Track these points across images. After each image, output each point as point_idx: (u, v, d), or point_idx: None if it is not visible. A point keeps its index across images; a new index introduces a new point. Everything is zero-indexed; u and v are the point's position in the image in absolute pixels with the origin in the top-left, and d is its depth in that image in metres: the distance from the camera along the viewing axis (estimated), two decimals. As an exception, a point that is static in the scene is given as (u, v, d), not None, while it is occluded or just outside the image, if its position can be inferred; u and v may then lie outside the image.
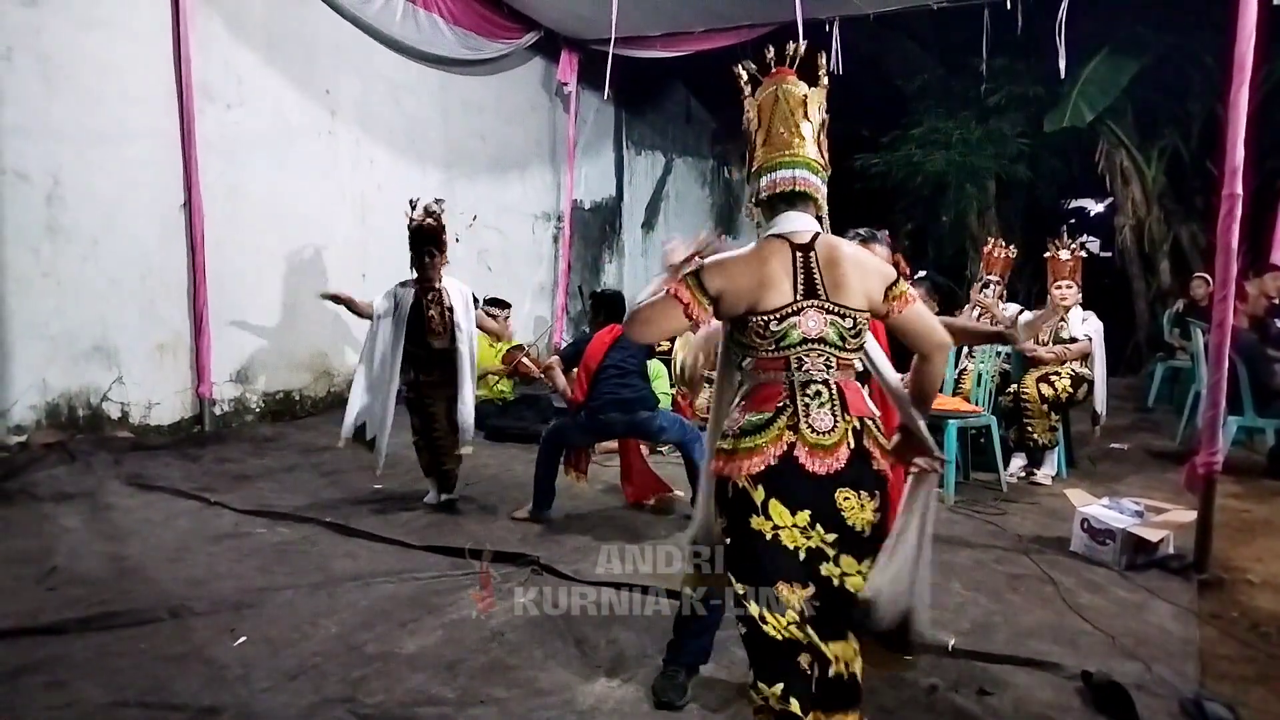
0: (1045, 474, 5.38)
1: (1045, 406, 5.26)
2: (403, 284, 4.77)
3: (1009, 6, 7.02)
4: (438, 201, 4.80)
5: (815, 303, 2.00)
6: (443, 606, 3.40)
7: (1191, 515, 3.91)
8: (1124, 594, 3.59)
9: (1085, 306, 5.54)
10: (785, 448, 1.96)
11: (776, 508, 1.96)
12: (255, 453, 5.91)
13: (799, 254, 2.03)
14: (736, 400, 2.09)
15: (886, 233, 3.35)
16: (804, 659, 1.99)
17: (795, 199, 2.07)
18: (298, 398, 7.17)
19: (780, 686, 1.97)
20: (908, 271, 6.29)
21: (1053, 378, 5.30)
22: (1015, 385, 5.44)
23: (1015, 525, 4.49)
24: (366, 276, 7.73)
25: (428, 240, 4.69)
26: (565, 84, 9.64)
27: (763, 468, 1.96)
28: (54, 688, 2.75)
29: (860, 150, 10.57)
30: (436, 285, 4.73)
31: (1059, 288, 5.48)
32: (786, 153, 2.07)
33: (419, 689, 2.77)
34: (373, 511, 4.66)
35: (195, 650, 3.01)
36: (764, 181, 2.09)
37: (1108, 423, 5.75)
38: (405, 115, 8.14)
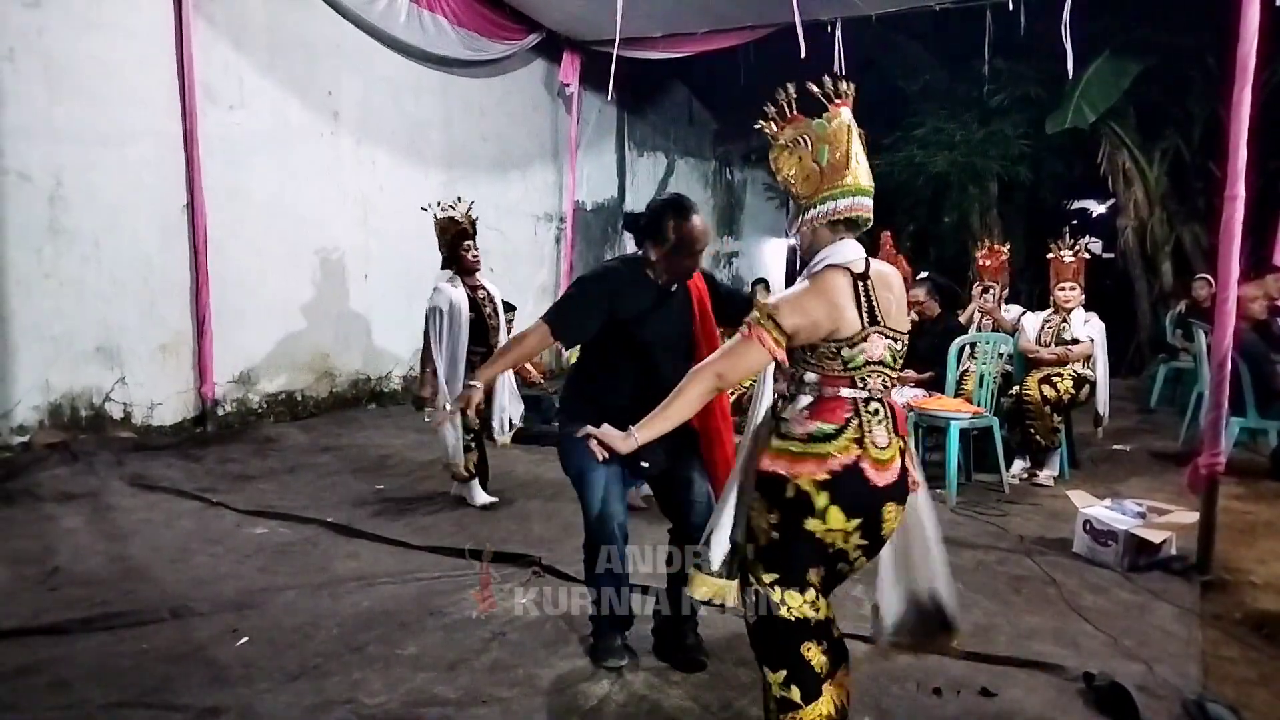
0: (1047, 475, 5.37)
1: (1047, 408, 5.25)
2: (438, 284, 4.74)
3: (1011, 8, 7.02)
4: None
5: (877, 329, 2.12)
6: (444, 607, 3.40)
7: (1194, 516, 3.91)
8: (1126, 595, 3.59)
9: (1087, 308, 5.53)
10: (853, 459, 2.07)
11: (835, 514, 2.06)
12: (257, 453, 5.92)
13: (859, 283, 2.13)
14: (799, 409, 2.15)
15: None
16: (810, 645, 2.13)
17: (856, 224, 2.20)
18: (300, 398, 7.18)
19: (784, 674, 2.14)
20: (910, 273, 6.34)
21: (1055, 379, 5.30)
22: (1017, 386, 5.43)
23: (1017, 526, 4.49)
24: (368, 277, 7.77)
25: (470, 233, 4.76)
26: (567, 85, 9.65)
27: (828, 475, 2.05)
28: (56, 688, 2.75)
29: (862, 151, 10.57)
30: (482, 282, 4.76)
31: (1062, 289, 5.48)
32: (864, 181, 2.18)
33: (421, 689, 2.77)
34: (374, 512, 4.66)
35: (197, 650, 3.02)
36: (841, 204, 2.15)
37: (1110, 424, 5.74)
38: (407, 116, 8.15)
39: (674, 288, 2.88)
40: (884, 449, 2.10)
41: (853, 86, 2.21)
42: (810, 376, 2.15)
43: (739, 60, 8.99)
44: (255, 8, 6.69)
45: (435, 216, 4.84)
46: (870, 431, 2.10)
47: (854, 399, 2.12)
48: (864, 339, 2.10)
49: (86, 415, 5.73)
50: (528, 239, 9.85)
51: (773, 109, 2.23)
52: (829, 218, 2.16)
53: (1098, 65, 9.10)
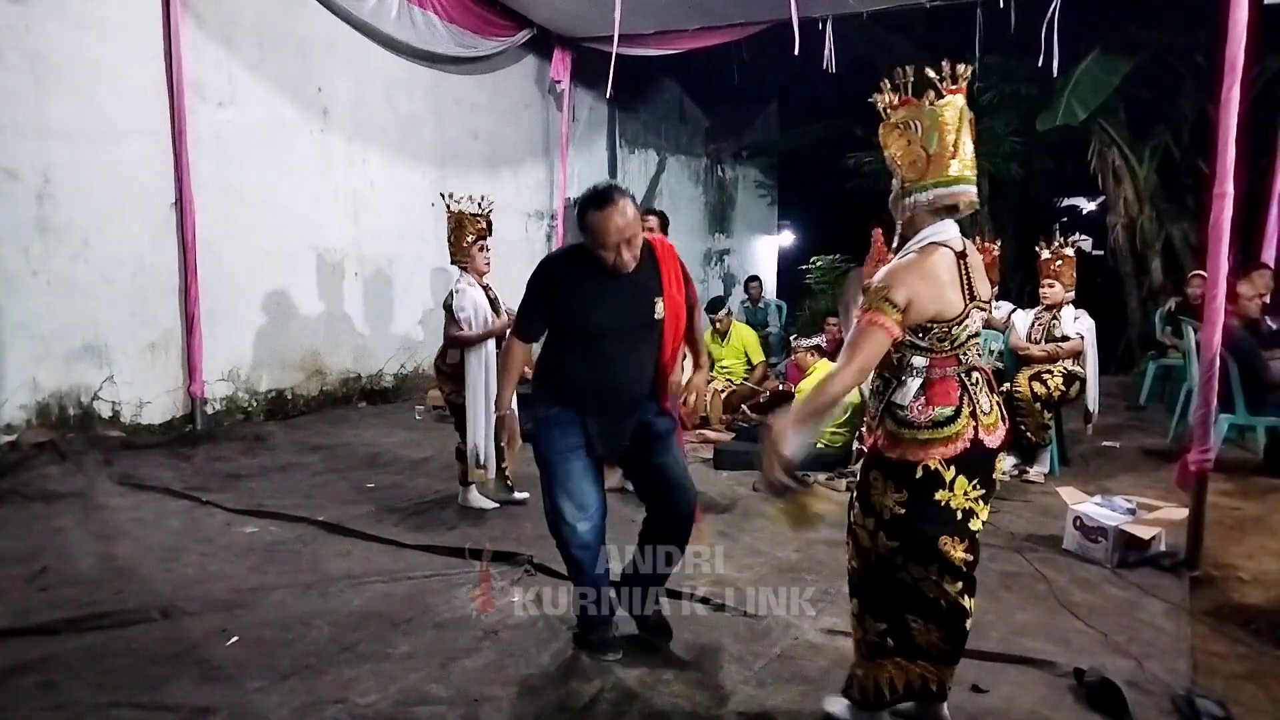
0: (1038, 472, 5.39)
1: (1038, 404, 5.27)
2: (459, 285, 4.56)
3: (1001, 5, 7.02)
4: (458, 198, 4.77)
5: (974, 303, 2.27)
6: (436, 606, 3.39)
7: (1183, 513, 3.93)
8: (1116, 592, 3.61)
9: (1077, 305, 5.56)
10: (972, 434, 2.24)
11: (961, 482, 2.25)
12: (247, 452, 5.89)
13: (960, 261, 2.26)
14: (912, 395, 2.26)
15: None
16: (917, 620, 2.34)
17: (957, 209, 2.30)
18: (290, 396, 7.15)
19: (883, 626, 2.37)
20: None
21: (1045, 376, 5.32)
22: (1008, 384, 5.46)
23: (1008, 523, 4.50)
24: (359, 275, 7.75)
25: (489, 232, 4.65)
26: (558, 82, 9.63)
27: (955, 453, 2.23)
28: (45, 688, 2.73)
29: (854, 149, 10.60)
30: (488, 283, 4.65)
31: (1043, 286, 5.53)
32: (969, 170, 2.25)
33: (413, 688, 2.76)
34: (365, 511, 4.64)
35: (187, 650, 3.00)
36: (944, 193, 2.24)
37: (1100, 421, 5.77)
38: (398, 113, 8.13)
39: (633, 272, 2.76)
40: (989, 413, 2.28)
41: (969, 70, 2.25)
42: (918, 361, 2.26)
43: (730, 58, 8.98)
44: (245, 4, 6.65)
45: (449, 209, 4.69)
46: (978, 402, 2.27)
47: (959, 375, 2.26)
48: (966, 316, 2.24)
49: (75, 414, 5.69)
50: (519, 237, 9.83)
51: (888, 85, 2.28)
52: (932, 205, 2.25)
53: (1088, 63, 9.11)
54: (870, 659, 2.40)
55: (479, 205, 4.70)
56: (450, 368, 4.60)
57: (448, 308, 4.54)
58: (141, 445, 5.77)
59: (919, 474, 2.24)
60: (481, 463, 4.51)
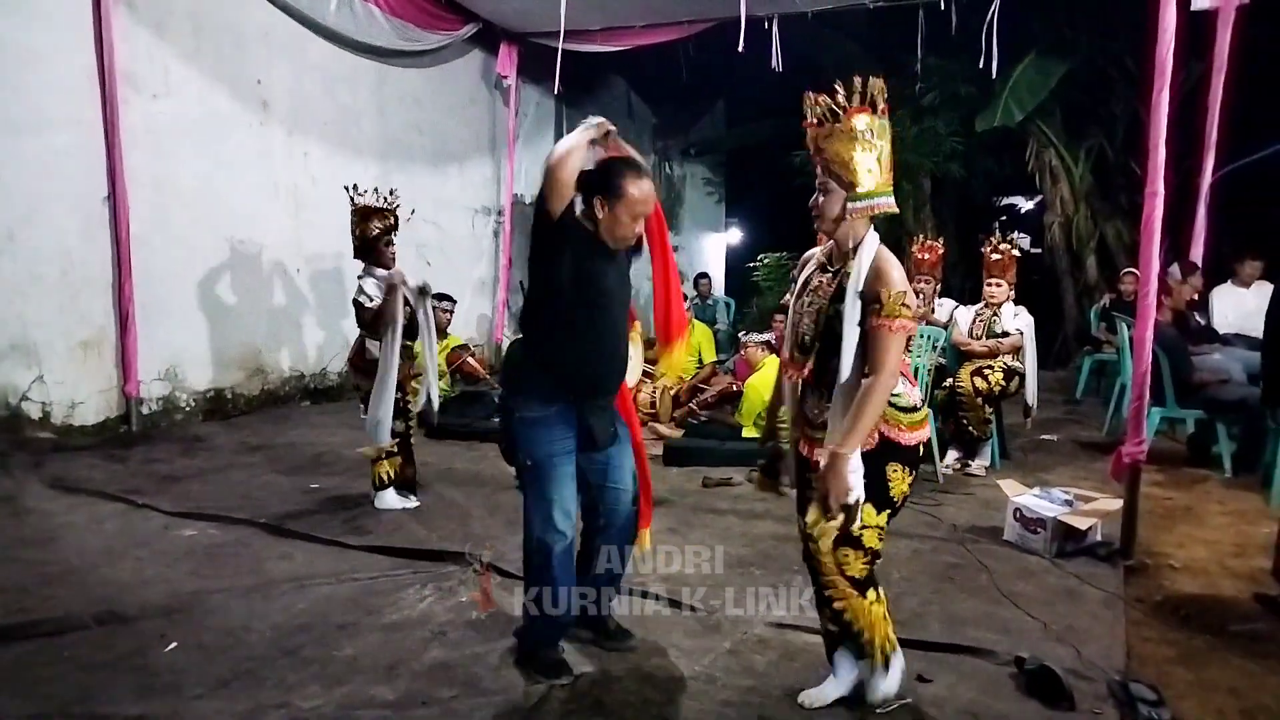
0: (979, 465, 5.51)
1: (979, 399, 5.39)
2: (374, 276, 4.47)
3: (942, 7, 7.16)
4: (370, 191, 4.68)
5: None
6: (382, 607, 3.34)
7: (1118, 503, 4.05)
8: (1054, 581, 3.70)
9: (1017, 302, 5.68)
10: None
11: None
12: (185, 453, 5.74)
13: None
14: (900, 382, 2.41)
15: None
16: None
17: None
18: (229, 396, 6.99)
19: (881, 589, 2.57)
20: None
21: (986, 371, 5.44)
22: (951, 379, 5.56)
23: (951, 515, 4.59)
24: (301, 271, 7.60)
25: (394, 225, 4.55)
26: (505, 77, 9.56)
27: (929, 429, 2.56)
28: (-29, 701, 2.63)
29: (798, 147, 10.70)
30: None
31: (989, 285, 5.64)
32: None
33: (358, 692, 2.72)
34: (308, 512, 4.55)
35: (124, 658, 2.91)
36: (890, 200, 2.40)
37: (1038, 415, 5.91)
38: (340, 107, 7.99)
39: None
40: None
41: (880, 86, 2.32)
42: None
43: (677, 55, 8.99)
44: (180, -8, 6.47)
45: (354, 201, 4.58)
46: None
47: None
48: None
49: (1, 416, 5.49)
50: (465, 232, 9.74)
51: (842, 91, 2.31)
52: (878, 211, 2.38)
53: (1025, 65, 9.33)
54: (885, 619, 2.56)
55: (385, 200, 4.62)
56: (368, 364, 4.50)
57: (356, 302, 4.47)
58: (73, 447, 5.59)
59: (920, 452, 2.50)
60: (380, 433, 4.44)
